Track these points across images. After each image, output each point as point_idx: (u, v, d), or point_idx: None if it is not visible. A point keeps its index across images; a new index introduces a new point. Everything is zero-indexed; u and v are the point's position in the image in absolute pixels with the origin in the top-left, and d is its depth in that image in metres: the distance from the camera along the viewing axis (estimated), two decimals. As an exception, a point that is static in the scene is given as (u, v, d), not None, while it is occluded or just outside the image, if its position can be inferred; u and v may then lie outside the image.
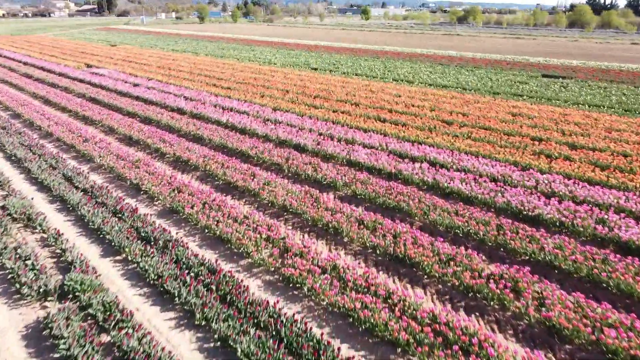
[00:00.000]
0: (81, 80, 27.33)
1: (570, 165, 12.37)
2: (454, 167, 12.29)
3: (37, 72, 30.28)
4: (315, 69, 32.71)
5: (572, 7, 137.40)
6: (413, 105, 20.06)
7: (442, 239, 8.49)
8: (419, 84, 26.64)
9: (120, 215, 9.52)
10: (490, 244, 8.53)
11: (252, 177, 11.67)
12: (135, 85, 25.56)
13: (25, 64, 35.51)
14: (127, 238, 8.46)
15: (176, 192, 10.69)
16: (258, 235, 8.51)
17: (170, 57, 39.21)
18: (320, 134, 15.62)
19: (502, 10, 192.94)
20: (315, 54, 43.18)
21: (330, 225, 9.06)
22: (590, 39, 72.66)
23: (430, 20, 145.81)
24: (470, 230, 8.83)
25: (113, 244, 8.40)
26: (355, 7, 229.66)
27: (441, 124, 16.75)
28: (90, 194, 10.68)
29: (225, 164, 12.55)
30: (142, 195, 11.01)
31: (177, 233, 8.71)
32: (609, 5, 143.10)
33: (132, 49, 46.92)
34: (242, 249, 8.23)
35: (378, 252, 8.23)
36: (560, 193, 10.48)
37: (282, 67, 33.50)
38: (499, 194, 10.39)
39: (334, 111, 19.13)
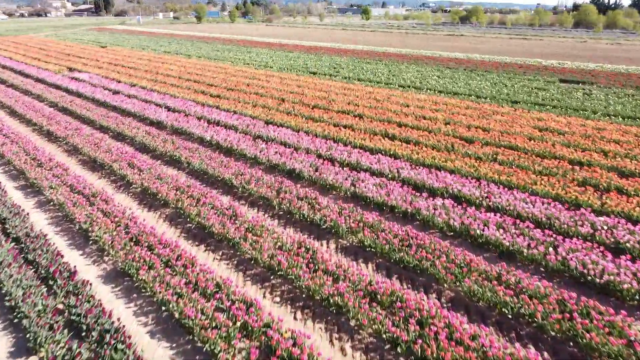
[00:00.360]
0: (58, 87, 24.96)
1: (627, 202, 9.99)
2: (484, 203, 9.93)
3: (13, 77, 27.90)
4: (314, 73, 30.34)
5: (577, 7, 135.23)
6: (424, 118, 17.69)
7: (485, 327, 6.14)
8: (428, 90, 24.28)
9: (52, 282, 7.16)
10: (553, 332, 6.17)
11: (233, 219, 9.30)
12: (116, 92, 23.17)
13: (3, 67, 33.15)
14: (50, 327, 6.10)
15: (133, 243, 8.32)
16: (231, 323, 6.14)
17: (161, 59, 36.85)
18: (319, 156, 13.25)
19: (503, 10, 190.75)
20: (314, 56, 40.83)
21: (331, 301, 6.70)
22: (598, 40, 70.31)
23: (432, 20, 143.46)
24: (523, 311, 6.47)
25: (29, 335, 6.04)
26: (355, 7, 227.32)
27: (460, 142, 14.36)
28: (22, 245, 8.31)
29: (201, 199, 10.18)
30: (90, 246, 8.63)
31: (119, 319, 6.33)
32: (613, 5, 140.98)
33: (122, 50, 44.56)
34: (207, 344, 5.86)
35: (399, 349, 5.86)
36: (628, 246, 8.12)
37: (279, 71, 31.13)
38: (550, 248, 8.02)
39: (334, 125, 16.77)
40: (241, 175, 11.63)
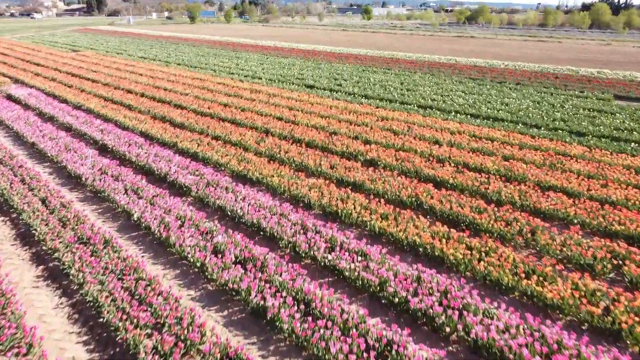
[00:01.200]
0: (-20, 109, 19.41)
1: None
2: None
3: None
4: (311, 87, 24.81)
5: (586, 6, 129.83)
6: (469, 168, 12.14)
7: None
8: (457, 114, 18.72)
9: None
10: None
11: None
12: (48, 119, 17.67)
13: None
14: None
15: None
16: None
17: (132, 68, 31.25)
18: (314, 260, 7.72)
19: (505, 9, 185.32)
20: (312, 62, 35.26)
21: None
22: (622, 43, 64.68)
23: (436, 20, 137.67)
24: None
25: None
26: (355, 7, 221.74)
27: (543, 226, 8.79)
28: None
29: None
30: None
31: None
32: (623, 5, 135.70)
33: (93, 56, 38.94)
34: None
35: None
36: None
37: (269, 83, 25.56)
38: None
39: (337, 183, 11.23)
40: (162, 328, 6.05)
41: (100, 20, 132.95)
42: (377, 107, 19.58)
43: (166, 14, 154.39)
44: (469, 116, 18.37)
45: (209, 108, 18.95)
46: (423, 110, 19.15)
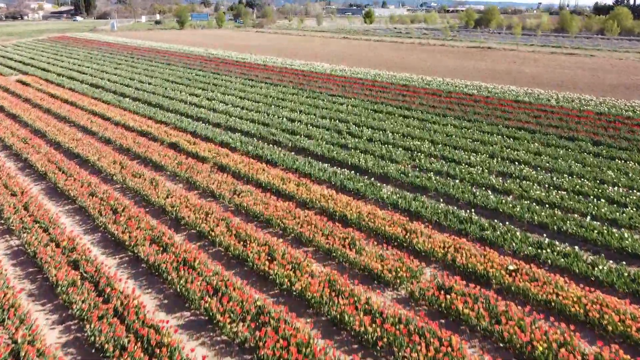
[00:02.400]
0: None
1: None
2: None
3: None
4: (306, 152, 16.93)
5: (599, 9, 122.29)
6: None
7: None
8: (565, 262, 10.85)
9: None
10: None
11: None
12: None
13: None
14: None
15: None
16: None
17: (68, 110, 23.38)
18: None
19: (507, 9, 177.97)
20: (308, 94, 27.27)
21: None
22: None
23: (440, 22, 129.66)
24: None
25: None
26: (354, 7, 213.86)
27: None
28: None
29: None
30: None
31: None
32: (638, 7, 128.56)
33: (35, 84, 30.98)
34: None
35: None
36: None
37: (243, 145, 17.60)
38: None
39: None
40: None
41: (84, 24, 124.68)
42: (411, 220, 11.64)
43: (158, 16, 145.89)
44: (586, 262, 10.37)
45: (122, 233, 11.00)
46: (492, 231, 11.18)
